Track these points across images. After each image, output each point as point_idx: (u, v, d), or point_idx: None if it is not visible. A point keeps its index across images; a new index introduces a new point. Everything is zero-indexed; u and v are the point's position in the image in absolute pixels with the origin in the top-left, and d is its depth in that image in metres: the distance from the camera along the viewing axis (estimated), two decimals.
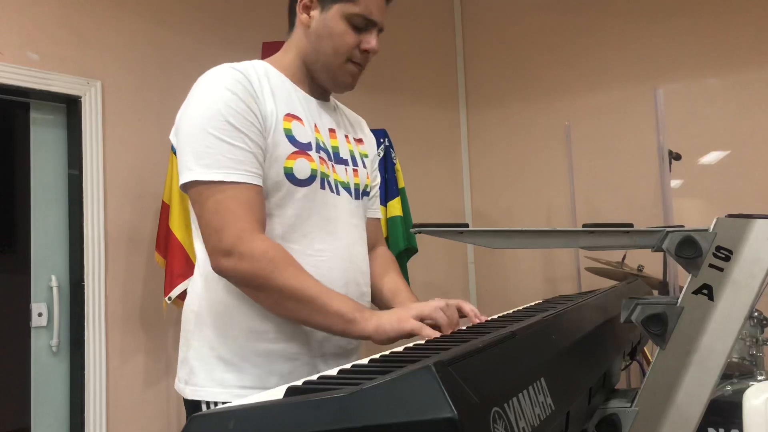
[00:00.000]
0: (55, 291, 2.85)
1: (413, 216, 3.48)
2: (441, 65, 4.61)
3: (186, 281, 2.84)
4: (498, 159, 4.51)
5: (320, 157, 1.36)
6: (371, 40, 1.36)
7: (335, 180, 1.39)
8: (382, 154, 3.34)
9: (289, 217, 1.31)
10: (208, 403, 1.30)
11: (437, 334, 1.13)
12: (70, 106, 2.95)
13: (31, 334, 2.82)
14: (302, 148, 1.32)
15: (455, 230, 0.93)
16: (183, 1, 3.34)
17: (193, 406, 1.32)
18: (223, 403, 1.25)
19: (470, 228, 0.93)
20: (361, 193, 1.48)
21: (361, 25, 1.35)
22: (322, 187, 1.35)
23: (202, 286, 1.35)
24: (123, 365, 2.99)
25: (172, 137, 1.37)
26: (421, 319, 1.18)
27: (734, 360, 2.48)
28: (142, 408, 3.04)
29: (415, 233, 0.96)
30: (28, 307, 2.82)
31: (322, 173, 1.35)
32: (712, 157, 3.82)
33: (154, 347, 3.09)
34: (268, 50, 3.10)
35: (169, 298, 2.82)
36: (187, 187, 1.27)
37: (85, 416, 2.84)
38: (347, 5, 1.33)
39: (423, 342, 0.92)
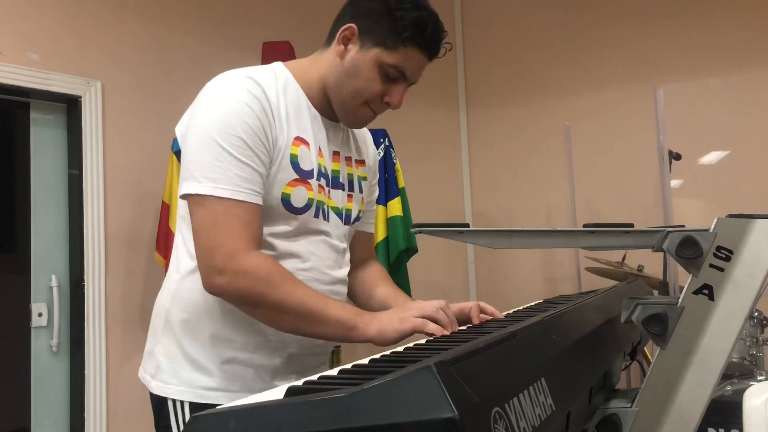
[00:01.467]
0: (55, 291, 2.85)
1: (413, 216, 3.48)
2: (441, 65, 4.58)
3: None
4: (498, 159, 4.51)
5: (319, 185, 1.34)
6: (397, 95, 1.33)
7: (329, 206, 1.38)
8: (382, 153, 3.34)
9: (275, 237, 1.30)
10: (174, 401, 1.31)
11: (443, 331, 1.14)
12: (70, 106, 2.95)
13: (31, 334, 2.82)
14: (304, 176, 1.31)
15: (456, 230, 0.93)
16: (183, 1, 3.34)
17: (158, 401, 1.34)
18: (191, 402, 1.28)
19: (471, 228, 0.93)
20: (352, 219, 1.47)
21: (393, 75, 1.30)
22: (316, 215, 1.34)
23: (177, 284, 1.35)
24: (123, 365, 2.99)
25: (178, 136, 1.34)
26: (423, 318, 1.18)
27: (734, 360, 2.48)
28: (142, 407, 3.03)
29: (416, 233, 0.96)
30: (28, 307, 2.82)
31: (318, 201, 1.34)
32: (712, 157, 3.82)
33: None
34: (268, 50, 3.10)
35: None
36: (188, 196, 1.25)
37: (86, 416, 2.84)
38: (386, 53, 1.28)
39: (423, 342, 0.92)
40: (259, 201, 1.23)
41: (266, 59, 3.07)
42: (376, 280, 1.55)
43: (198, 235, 1.22)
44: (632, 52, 4.05)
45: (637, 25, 4.05)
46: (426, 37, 1.30)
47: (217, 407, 0.54)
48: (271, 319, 1.24)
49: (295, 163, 1.29)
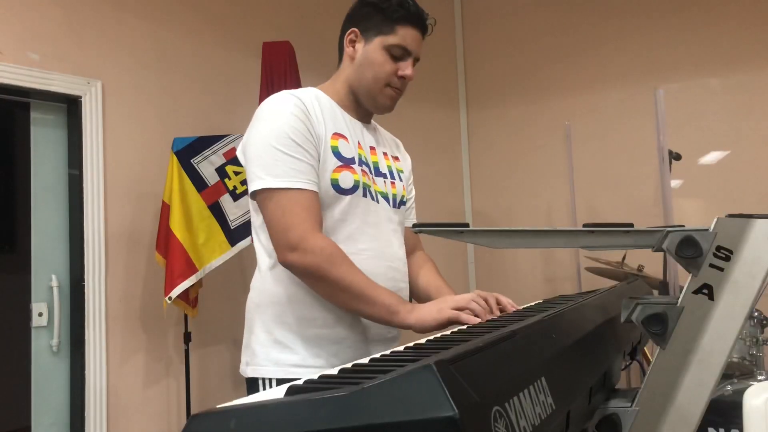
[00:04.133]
0: (55, 291, 2.85)
1: None
2: (441, 64, 4.61)
3: (186, 281, 2.84)
4: (498, 158, 4.51)
5: (362, 170, 1.55)
6: (407, 68, 1.57)
7: (375, 190, 1.59)
8: None
9: (335, 221, 1.50)
10: (264, 380, 1.49)
11: (476, 320, 1.27)
12: (71, 105, 2.95)
13: (32, 334, 2.82)
14: (346, 162, 1.52)
15: (456, 230, 0.93)
16: (183, 1, 3.34)
17: (251, 384, 1.52)
18: (278, 379, 1.46)
19: (471, 228, 0.93)
20: (398, 202, 1.67)
21: (398, 54, 1.55)
22: (364, 195, 1.54)
23: (261, 282, 1.55)
24: (123, 365, 2.99)
25: (239, 154, 1.56)
26: (460, 309, 1.31)
27: (734, 360, 2.48)
28: (143, 407, 3.04)
29: (416, 233, 0.96)
30: (29, 307, 2.82)
31: (364, 184, 1.54)
32: (712, 157, 3.82)
33: (154, 347, 3.09)
34: (268, 50, 3.10)
35: (170, 298, 2.82)
36: (256, 193, 1.46)
37: (86, 416, 2.84)
38: (386, 37, 1.54)
39: (424, 342, 0.92)
40: (314, 188, 1.46)
41: (266, 59, 3.07)
42: (417, 268, 1.75)
43: (271, 222, 1.44)
44: (632, 51, 4.05)
45: (637, 25, 4.05)
46: (412, 14, 1.56)
47: (217, 406, 0.54)
48: (329, 294, 1.44)
49: (336, 152, 1.52)
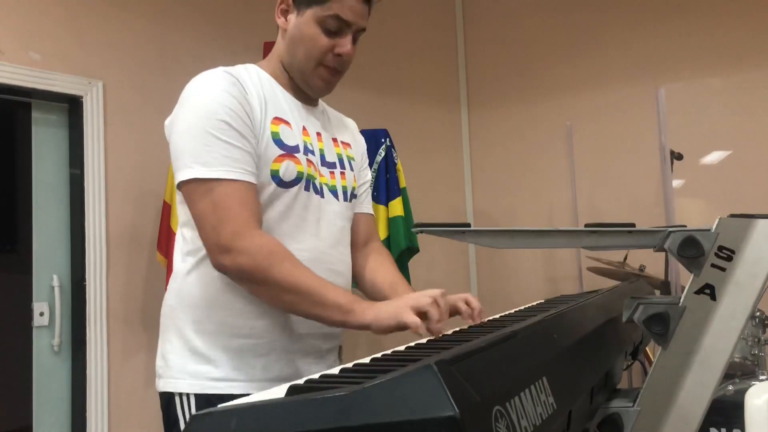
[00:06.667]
0: (56, 290, 2.85)
1: (414, 216, 3.47)
2: (442, 65, 4.61)
3: None
4: (500, 159, 4.51)
5: (308, 160, 1.37)
6: (345, 44, 1.34)
7: (321, 182, 1.40)
8: (383, 154, 3.34)
9: (271, 217, 1.32)
10: (181, 395, 1.31)
11: (427, 330, 1.13)
12: (72, 105, 2.95)
13: (33, 334, 2.82)
14: (289, 151, 1.34)
15: (457, 230, 0.93)
16: (184, 1, 3.34)
17: (166, 399, 1.33)
18: (197, 394, 1.28)
19: (472, 228, 0.93)
20: (349, 195, 1.49)
21: (334, 28, 1.33)
22: (307, 188, 1.36)
23: (178, 284, 1.38)
24: (125, 364, 2.99)
25: (166, 131, 1.40)
26: (418, 312, 1.16)
27: (736, 360, 2.47)
28: (144, 407, 3.04)
29: (417, 233, 0.96)
30: (30, 307, 2.82)
31: (309, 175, 1.36)
32: (714, 157, 3.82)
33: (155, 347, 3.08)
34: (269, 50, 3.10)
35: None
36: (183, 185, 1.29)
37: (87, 416, 2.84)
38: (319, 8, 1.32)
39: (425, 341, 0.92)
40: (251, 179, 1.28)
41: None
42: (377, 265, 1.55)
43: (200, 219, 1.27)
44: (634, 51, 4.04)
45: (639, 25, 4.05)
46: None
47: (219, 406, 0.54)
48: (271, 298, 1.27)
49: (277, 140, 1.33)
